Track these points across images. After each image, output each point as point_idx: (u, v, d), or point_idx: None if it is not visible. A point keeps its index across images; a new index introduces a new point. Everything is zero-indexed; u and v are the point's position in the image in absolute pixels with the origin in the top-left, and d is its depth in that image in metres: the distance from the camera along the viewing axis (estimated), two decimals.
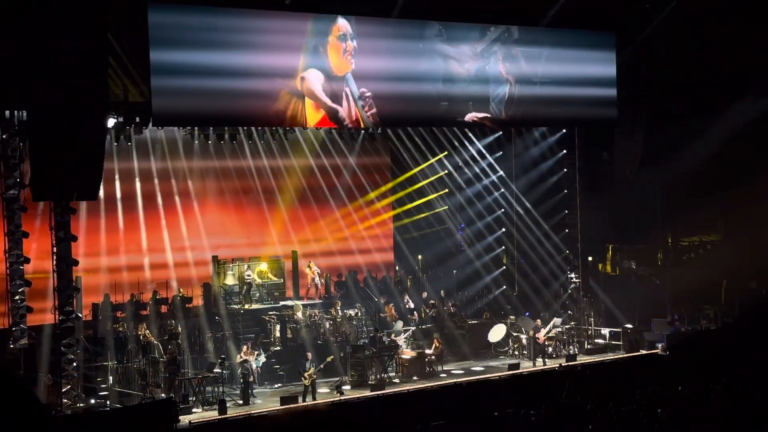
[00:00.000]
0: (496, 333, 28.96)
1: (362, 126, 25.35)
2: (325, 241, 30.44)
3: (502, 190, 32.43)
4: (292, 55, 23.54)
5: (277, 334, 26.74)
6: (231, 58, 22.61)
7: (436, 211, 32.79)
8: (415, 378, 25.91)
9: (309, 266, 29.32)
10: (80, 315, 22.79)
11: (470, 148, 31.83)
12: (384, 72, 25.31)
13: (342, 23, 24.15)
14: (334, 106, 24.11)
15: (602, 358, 27.98)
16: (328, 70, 24.07)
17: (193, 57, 21.96)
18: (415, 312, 29.35)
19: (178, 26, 21.87)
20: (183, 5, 22.37)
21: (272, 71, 23.31)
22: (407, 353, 26.49)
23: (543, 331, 27.61)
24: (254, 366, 24.15)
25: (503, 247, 32.94)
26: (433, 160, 31.66)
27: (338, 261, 30.44)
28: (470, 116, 27.13)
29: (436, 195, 32.65)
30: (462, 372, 26.93)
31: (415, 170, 31.89)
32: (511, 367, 26.18)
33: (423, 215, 32.78)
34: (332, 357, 25.06)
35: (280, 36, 23.58)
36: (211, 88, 22.25)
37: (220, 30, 22.54)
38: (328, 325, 27.38)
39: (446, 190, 32.74)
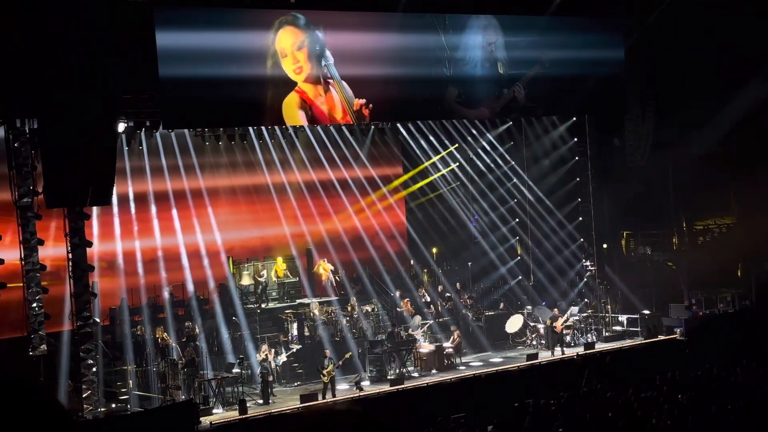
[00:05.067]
0: (514, 323, 28.96)
1: (355, 121, 25.23)
2: (339, 236, 30.43)
3: (515, 180, 32.38)
4: (291, 55, 23.52)
5: (295, 332, 26.79)
6: (238, 59, 22.62)
7: (449, 203, 32.76)
8: (433, 371, 25.93)
9: (322, 264, 29.32)
10: (98, 320, 22.86)
11: (481, 139, 31.84)
12: (387, 72, 25.22)
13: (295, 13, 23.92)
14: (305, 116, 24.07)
15: (621, 345, 27.94)
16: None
17: (201, 58, 21.96)
18: (431, 305, 29.35)
19: (184, 28, 21.88)
20: (188, 8, 22.41)
21: (276, 70, 23.29)
22: (425, 347, 26.51)
23: (560, 320, 27.58)
24: (273, 365, 24.21)
25: (517, 238, 32.89)
26: (444, 153, 31.64)
27: (352, 256, 30.44)
28: (480, 111, 27.26)
29: (448, 187, 32.63)
30: (480, 364, 26.95)
31: (427, 163, 31.89)
32: (530, 357, 26.16)
33: (436, 208, 32.78)
34: (350, 353, 25.09)
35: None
36: (218, 89, 22.24)
37: (225, 31, 22.56)
38: (345, 322, 27.41)
39: (458, 182, 32.73)
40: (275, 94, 23.28)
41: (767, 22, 28.67)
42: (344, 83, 24.20)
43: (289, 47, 23.49)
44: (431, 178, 32.39)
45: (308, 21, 23.73)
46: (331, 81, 24.06)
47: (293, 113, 23.78)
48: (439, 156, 31.61)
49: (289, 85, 23.43)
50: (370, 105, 24.70)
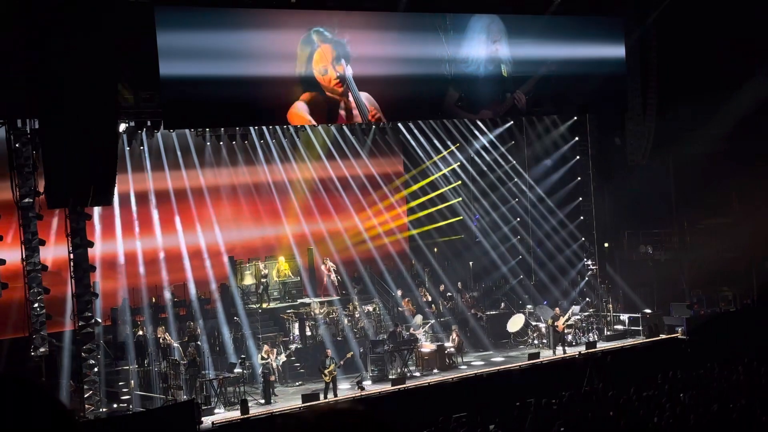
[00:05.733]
0: (515, 323, 28.95)
1: (365, 120, 25.27)
2: (340, 237, 30.43)
3: (516, 179, 32.38)
4: (293, 56, 23.49)
5: (296, 332, 26.80)
6: (239, 59, 22.61)
7: (450, 203, 32.74)
8: (435, 371, 25.93)
9: (324, 263, 29.34)
10: (99, 320, 22.86)
11: (482, 138, 31.83)
12: (387, 71, 25.17)
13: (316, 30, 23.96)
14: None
15: (622, 344, 27.94)
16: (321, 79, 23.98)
17: (202, 58, 21.95)
18: (432, 305, 29.35)
19: (185, 28, 21.87)
20: (189, 7, 22.41)
21: (278, 71, 23.28)
22: (427, 346, 26.50)
23: (562, 320, 27.57)
24: (275, 365, 24.22)
25: (518, 237, 32.88)
26: (445, 153, 31.63)
27: (354, 256, 30.44)
28: (482, 113, 27.39)
29: (449, 187, 32.61)
30: (482, 363, 26.94)
31: (428, 163, 31.88)
32: (531, 356, 26.16)
33: (437, 207, 32.75)
34: (352, 353, 25.10)
35: (283, 36, 23.53)
36: (221, 89, 22.22)
37: (226, 31, 22.54)
38: (346, 321, 27.41)
39: (459, 182, 32.71)
40: (281, 94, 23.29)
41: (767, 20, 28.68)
42: (361, 94, 24.25)
43: (328, 63, 23.65)
44: (432, 177, 32.37)
45: (333, 33, 23.84)
46: (350, 91, 24.12)
47: (317, 118, 23.98)
48: (440, 155, 31.60)
49: (300, 86, 23.41)
50: (379, 114, 24.74)
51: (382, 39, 25.32)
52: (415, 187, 32.74)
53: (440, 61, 25.71)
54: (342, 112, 24.19)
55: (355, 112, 24.36)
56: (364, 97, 24.38)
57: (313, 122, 24.66)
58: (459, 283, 31.10)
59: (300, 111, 23.56)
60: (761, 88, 29.76)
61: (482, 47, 26.40)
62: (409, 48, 25.45)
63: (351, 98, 24.23)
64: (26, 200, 20.99)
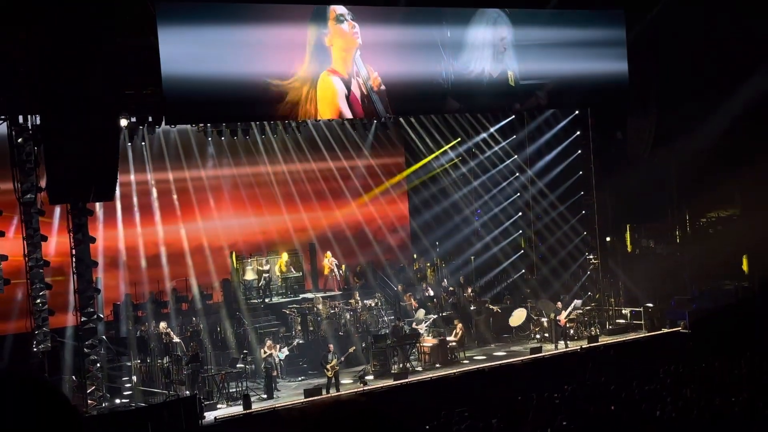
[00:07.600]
0: (517, 317, 28.96)
1: (375, 114, 25.14)
2: (342, 230, 30.45)
3: (517, 174, 32.38)
4: (299, 48, 23.41)
5: (299, 327, 26.82)
6: (241, 53, 22.55)
7: (452, 198, 32.74)
8: (437, 365, 25.92)
9: (326, 257, 29.37)
10: (101, 316, 22.88)
11: (483, 133, 31.82)
12: (390, 71, 25.06)
13: (336, 6, 23.85)
14: (347, 104, 23.92)
15: (624, 338, 27.94)
16: (335, 62, 23.88)
17: (203, 53, 21.89)
18: (434, 299, 29.35)
19: (187, 23, 21.82)
20: (191, 2, 22.37)
21: (281, 65, 23.21)
22: (429, 341, 26.51)
23: (564, 314, 27.57)
24: (277, 360, 24.24)
25: (520, 231, 32.88)
26: (446, 147, 31.62)
27: (356, 250, 30.46)
28: (485, 108, 27.45)
29: (450, 182, 32.61)
30: (484, 358, 26.93)
31: (429, 158, 31.87)
32: (533, 350, 26.17)
33: (439, 203, 32.76)
34: (354, 348, 25.10)
35: (287, 29, 23.48)
36: (222, 84, 22.16)
37: (229, 24, 22.49)
38: (348, 316, 27.42)
39: (461, 176, 32.71)
40: (283, 90, 23.24)
41: None
42: (368, 79, 24.15)
43: (342, 45, 23.65)
44: (434, 172, 32.37)
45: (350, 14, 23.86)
46: (359, 76, 24.05)
47: (330, 107, 23.81)
48: (441, 150, 31.59)
49: (300, 81, 23.35)
50: (383, 86, 24.52)
51: (381, 37, 25.19)
52: (417, 182, 32.75)
53: (437, 65, 25.39)
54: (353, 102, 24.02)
55: (362, 99, 24.17)
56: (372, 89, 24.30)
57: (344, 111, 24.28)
58: (461, 277, 31.10)
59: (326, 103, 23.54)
60: (762, 84, 29.71)
61: (487, 46, 26.17)
62: (406, 48, 25.28)
63: (357, 88, 24.10)
64: (28, 196, 21.01)
